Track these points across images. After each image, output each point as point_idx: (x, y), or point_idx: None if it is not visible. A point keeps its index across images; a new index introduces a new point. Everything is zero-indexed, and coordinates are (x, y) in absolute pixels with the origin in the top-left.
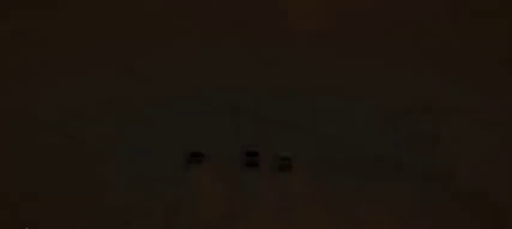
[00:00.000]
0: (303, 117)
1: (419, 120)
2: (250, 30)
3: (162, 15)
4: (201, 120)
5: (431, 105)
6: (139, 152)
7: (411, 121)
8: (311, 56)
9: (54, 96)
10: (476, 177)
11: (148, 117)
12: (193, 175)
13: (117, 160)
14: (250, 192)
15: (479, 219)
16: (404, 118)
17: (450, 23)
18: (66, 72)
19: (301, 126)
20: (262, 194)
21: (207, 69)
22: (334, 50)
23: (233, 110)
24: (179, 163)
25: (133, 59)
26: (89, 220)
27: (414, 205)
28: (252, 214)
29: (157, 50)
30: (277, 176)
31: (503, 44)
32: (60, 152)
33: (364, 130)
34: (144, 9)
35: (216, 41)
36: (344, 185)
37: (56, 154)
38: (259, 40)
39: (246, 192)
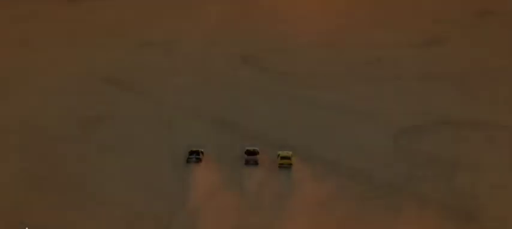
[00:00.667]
0: (305, 135)
1: (436, 139)
2: (251, 41)
3: (162, 22)
4: (201, 122)
5: (449, 121)
6: (139, 152)
7: (425, 141)
8: (315, 68)
9: (56, 95)
10: (503, 211)
11: (148, 119)
12: (192, 174)
13: (117, 160)
14: (249, 190)
15: None
16: (418, 138)
17: (463, 29)
18: (68, 74)
19: (302, 146)
20: (261, 193)
21: (205, 81)
22: (338, 61)
23: (233, 127)
24: (179, 162)
25: (134, 62)
26: (88, 221)
27: None
28: (252, 213)
29: (157, 58)
30: (277, 175)
31: None
32: (60, 152)
33: (372, 153)
34: (143, 17)
35: (216, 47)
36: (348, 215)
37: (55, 152)
38: (259, 51)
39: (245, 190)
